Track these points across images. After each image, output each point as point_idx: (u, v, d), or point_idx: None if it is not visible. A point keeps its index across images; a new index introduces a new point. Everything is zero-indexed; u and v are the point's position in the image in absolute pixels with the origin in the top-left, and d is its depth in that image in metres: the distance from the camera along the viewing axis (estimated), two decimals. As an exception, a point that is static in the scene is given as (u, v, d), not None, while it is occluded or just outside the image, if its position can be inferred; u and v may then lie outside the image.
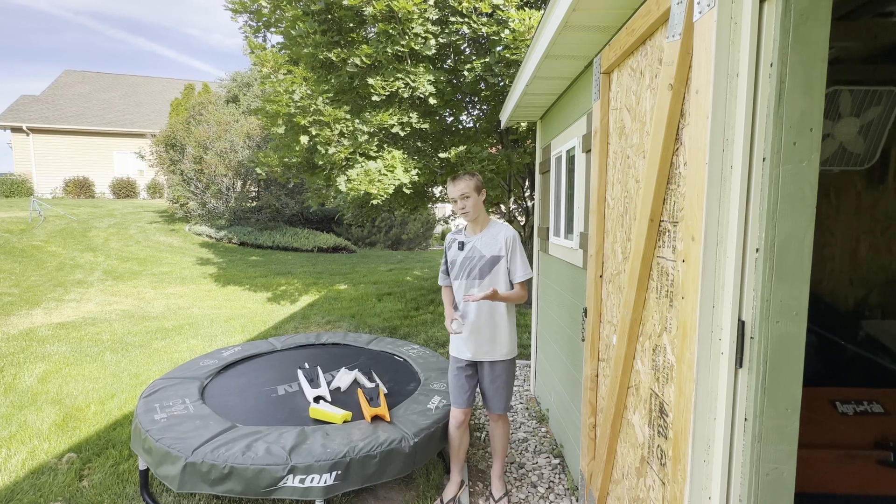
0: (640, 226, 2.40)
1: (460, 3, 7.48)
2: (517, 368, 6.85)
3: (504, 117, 6.09)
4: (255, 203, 21.01)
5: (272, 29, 9.47)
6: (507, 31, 7.36)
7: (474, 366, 3.75)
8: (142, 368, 6.79)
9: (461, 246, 3.71)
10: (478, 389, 3.81)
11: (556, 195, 4.94)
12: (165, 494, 3.88)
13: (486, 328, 3.62)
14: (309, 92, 8.55)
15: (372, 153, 8.76)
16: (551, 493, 4.00)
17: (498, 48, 7.89)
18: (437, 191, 11.20)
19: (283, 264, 16.53)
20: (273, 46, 9.76)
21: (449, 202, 3.66)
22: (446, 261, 3.83)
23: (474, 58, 8.23)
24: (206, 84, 27.06)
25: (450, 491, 3.87)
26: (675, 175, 2.14)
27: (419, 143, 9.62)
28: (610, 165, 3.01)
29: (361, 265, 17.25)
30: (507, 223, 4.44)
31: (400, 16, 7.35)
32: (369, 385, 4.48)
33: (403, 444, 3.50)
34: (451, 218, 17.12)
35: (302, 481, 3.19)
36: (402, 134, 8.57)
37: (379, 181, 8.22)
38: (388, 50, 7.71)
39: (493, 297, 3.35)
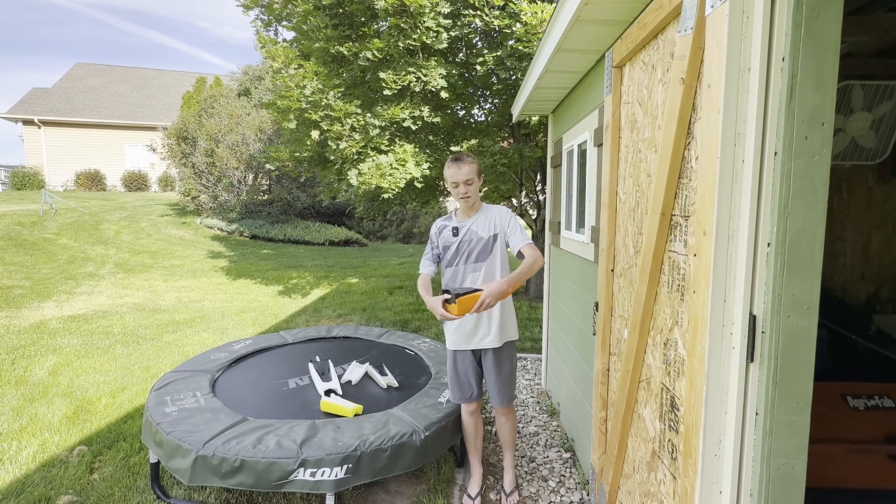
0: (651, 220, 2.40)
1: (472, -4, 7.47)
2: (529, 363, 6.87)
3: (516, 111, 6.08)
4: (266, 196, 21.06)
5: (283, 23, 9.48)
6: (518, 25, 7.34)
7: (477, 356, 3.70)
8: (153, 361, 6.84)
9: (455, 231, 3.59)
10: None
11: (567, 189, 4.93)
12: (176, 487, 3.91)
13: (486, 314, 3.52)
14: (320, 86, 8.55)
15: (383, 147, 8.76)
16: (562, 487, 4.00)
17: (510, 41, 7.86)
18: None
19: (294, 258, 16.58)
20: (284, 41, 9.78)
21: (449, 188, 3.53)
22: (435, 246, 3.69)
23: (486, 51, 8.21)
24: (218, 77, 27.17)
25: (474, 485, 3.84)
26: (686, 169, 2.13)
27: (431, 137, 9.62)
28: (622, 159, 3.00)
29: (373, 259, 17.28)
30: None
31: (411, 10, 7.34)
32: (381, 378, 4.50)
33: (414, 437, 3.50)
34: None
35: (313, 475, 3.20)
36: (413, 128, 8.56)
37: (390, 175, 8.23)
38: (400, 44, 7.70)
39: (504, 294, 3.20)
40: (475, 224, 3.56)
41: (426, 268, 3.72)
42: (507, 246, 3.58)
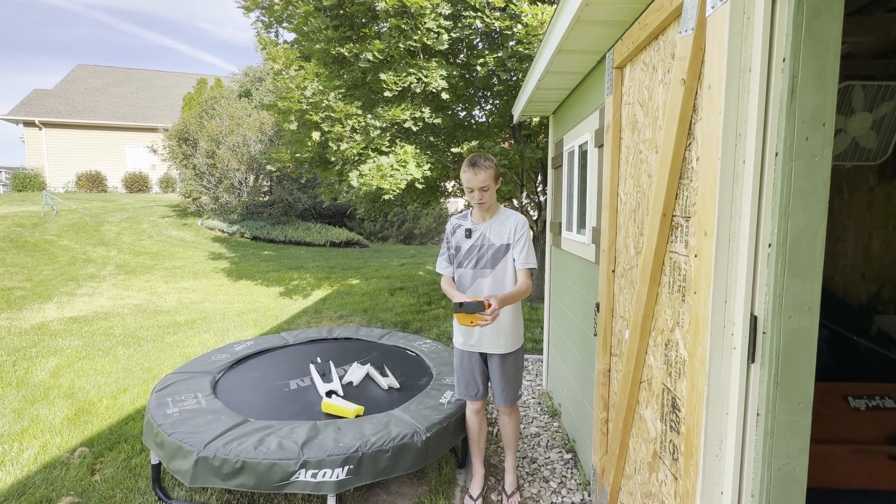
0: (652, 221, 2.40)
1: (472, -2, 7.47)
2: (530, 363, 6.87)
3: (516, 112, 6.08)
4: (267, 197, 21.10)
5: (284, 25, 9.48)
6: (519, 26, 7.33)
7: (483, 356, 3.68)
8: (154, 363, 6.84)
9: (468, 233, 3.56)
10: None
11: (568, 190, 4.93)
12: (178, 489, 3.91)
13: (495, 323, 3.43)
14: (321, 88, 8.56)
15: (384, 148, 8.76)
16: (563, 488, 4.00)
17: (510, 43, 7.86)
18: (449, 185, 11.20)
19: (295, 259, 16.57)
20: (285, 42, 9.79)
21: (464, 190, 3.50)
22: (449, 246, 3.67)
23: (487, 52, 8.21)
24: (219, 78, 27.20)
25: (476, 486, 3.83)
26: (687, 170, 2.13)
27: (432, 138, 9.62)
28: (622, 160, 3.00)
29: (374, 260, 17.27)
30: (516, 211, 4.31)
31: (412, 11, 7.34)
32: (382, 379, 4.50)
33: (416, 438, 3.50)
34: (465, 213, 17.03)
35: (314, 476, 3.20)
36: (414, 129, 8.56)
37: (391, 176, 8.22)
38: (401, 45, 7.70)
39: (503, 304, 3.16)
40: (489, 229, 3.52)
41: (444, 269, 3.70)
42: None
